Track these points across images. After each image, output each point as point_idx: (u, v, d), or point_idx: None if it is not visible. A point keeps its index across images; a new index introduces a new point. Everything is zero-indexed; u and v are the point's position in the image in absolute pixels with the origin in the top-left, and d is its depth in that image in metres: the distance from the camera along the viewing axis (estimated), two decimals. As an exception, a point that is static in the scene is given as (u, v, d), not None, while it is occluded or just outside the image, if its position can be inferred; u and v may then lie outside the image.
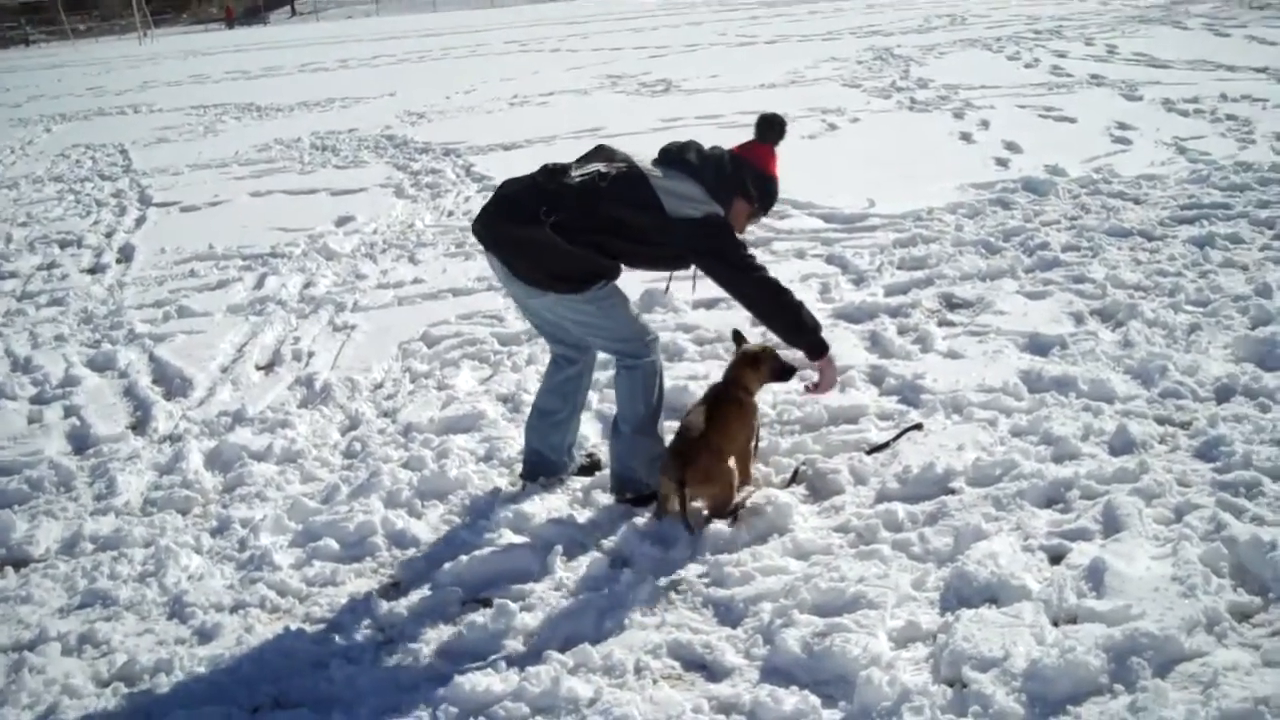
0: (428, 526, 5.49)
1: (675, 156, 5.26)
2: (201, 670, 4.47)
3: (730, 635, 4.34)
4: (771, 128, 5.37)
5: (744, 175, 5.26)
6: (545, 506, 5.53)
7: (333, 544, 5.40)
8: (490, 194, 5.46)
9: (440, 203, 13.23)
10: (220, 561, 5.40)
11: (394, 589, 4.98)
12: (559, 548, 5.05)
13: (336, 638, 4.63)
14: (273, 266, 10.72)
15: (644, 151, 5.37)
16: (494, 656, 4.32)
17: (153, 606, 5.03)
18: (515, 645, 4.41)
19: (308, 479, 6.20)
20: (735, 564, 4.77)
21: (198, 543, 5.56)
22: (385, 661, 4.42)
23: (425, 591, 4.89)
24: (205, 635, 4.75)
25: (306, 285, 10.05)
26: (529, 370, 7.42)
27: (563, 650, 4.31)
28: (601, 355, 5.84)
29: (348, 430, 6.83)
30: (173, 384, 7.74)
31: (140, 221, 13.57)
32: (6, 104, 31.27)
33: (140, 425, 7.13)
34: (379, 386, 7.51)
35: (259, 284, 10.19)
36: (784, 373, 5.40)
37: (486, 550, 5.10)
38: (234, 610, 4.92)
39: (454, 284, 9.68)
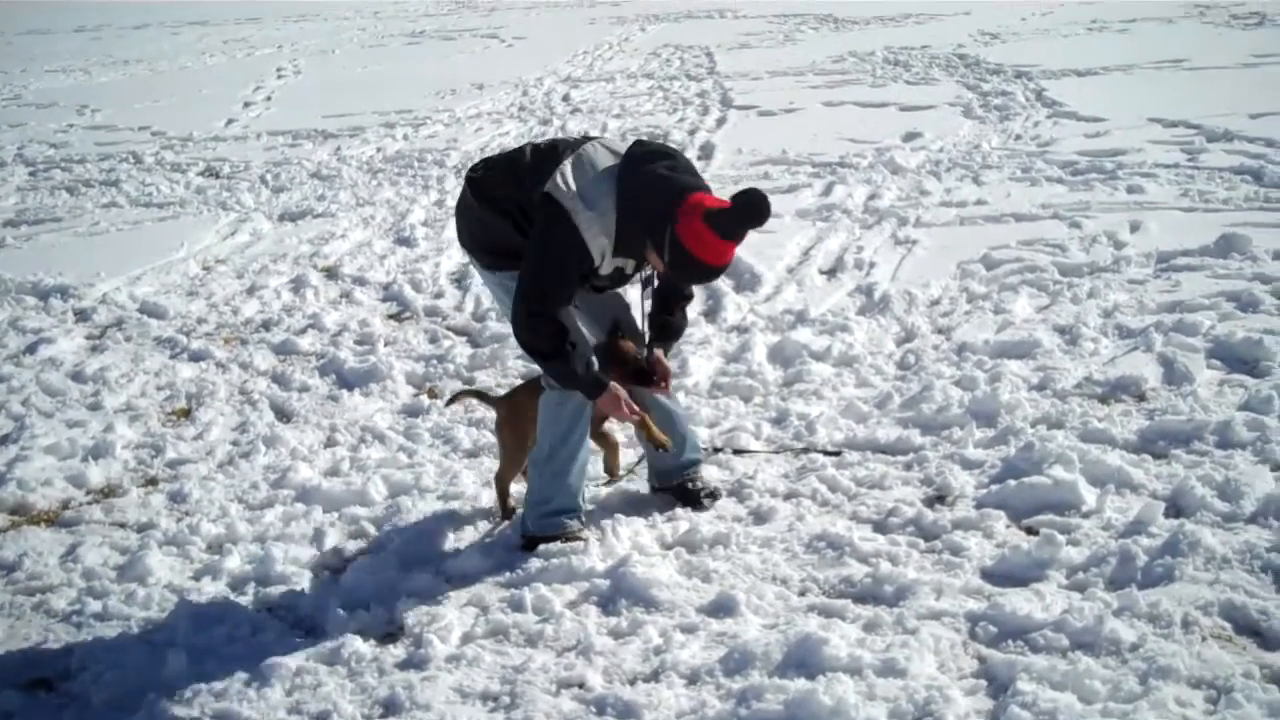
0: (976, 449, 5.53)
1: (636, 155, 4.62)
2: (757, 549, 4.81)
3: (1290, 605, 4.11)
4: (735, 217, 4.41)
5: (662, 232, 4.44)
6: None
7: (880, 450, 5.62)
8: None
9: (1008, 126, 13.00)
10: (778, 450, 5.74)
11: (939, 501, 5.09)
12: (1110, 487, 4.97)
13: (880, 537, 4.83)
14: (840, 176, 11.03)
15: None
16: (1036, 585, 4.34)
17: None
18: (1058, 577, 4.40)
19: (862, 384, 6.44)
20: (1304, 533, 4.49)
21: (758, 430, 5.92)
22: (926, 568, 4.56)
23: (970, 510, 4.97)
24: (760, 517, 5.09)
25: (871, 197, 10.26)
26: (1089, 304, 7.22)
27: (1107, 590, 4.26)
28: None
29: (903, 341, 7.00)
30: (743, 278, 8.21)
31: (721, 122, 14.36)
32: (606, 2, 33.72)
33: (711, 314, 7.64)
34: (936, 303, 7.60)
35: (826, 191, 10.53)
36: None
37: (1033, 477, 5.07)
38: (787, 498, 5.23)
39: (1017, 209, 9.54)
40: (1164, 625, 4.02)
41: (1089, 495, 4.93)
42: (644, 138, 4.95)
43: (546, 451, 4.88)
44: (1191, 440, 5.36)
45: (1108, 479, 5.05)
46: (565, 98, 17.25)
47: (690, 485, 5.22)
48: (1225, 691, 3.65)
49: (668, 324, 4.98)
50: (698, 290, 7.95)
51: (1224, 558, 4.38)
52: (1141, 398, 5.92)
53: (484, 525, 5.17)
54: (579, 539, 4.85)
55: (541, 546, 4.82)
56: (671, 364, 5.21)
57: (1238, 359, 6.22)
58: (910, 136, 12.59)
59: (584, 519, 4.98)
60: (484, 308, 8.01)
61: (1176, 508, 4.82)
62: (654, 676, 4.01)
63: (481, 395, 5.64)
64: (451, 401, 6.02)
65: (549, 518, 4.91)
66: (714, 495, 5.22)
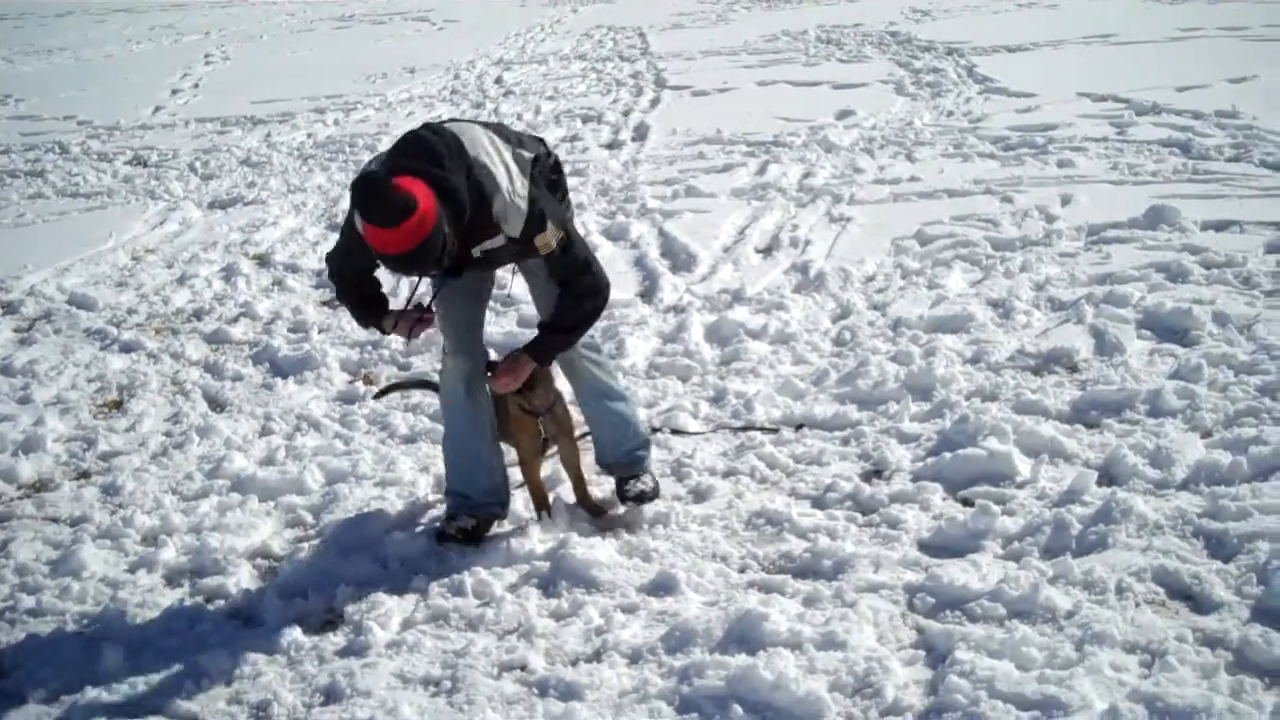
0: (912, 422, 5.58)
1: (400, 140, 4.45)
2: (697, 527, 4.84)
3: (1221, 569, 4.16)
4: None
5: None
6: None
7: (820, 427, 5.65)
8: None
9: (940, 102, 13.08)
10: (716, 429, 5.75)
11: (876, 475, 5.13)
12: (1044, 457, 5.04)
13: (818, 513, 4.85)
14: (775, 155, 11.06)
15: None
16: (972, 555, 4.39)
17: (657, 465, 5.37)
18: (994, 547, 4.45)
19: (799, 361, 6.46)
20: (1232, 498, 4.54)
21: (696, 409, 5.93)
22: (864, 541, 4.59)
23: (907, 483, 5.02)
24: (699, 495, 5.12)
25: (806, 175, 10.29)
26: (1022, 277, 7.28)
27: (1042, 559, 4.32)
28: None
29: (838, 318, 7.02)
30: (679, 258, 8.23)
31: (655, 103, 14.35)
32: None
33: (648, 294, 7.64)
34: (870, 279, 7.64)
35: (761, 170, 10.55)
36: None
37: (968, 449, 5.12)
38: (725, 475, 5.25)
39: (950, 185, 9.60)
40: (1098, 592, 4.07)
41: (1023, 466, 4.99)
42: (439, 123, 4.56)
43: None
44: (1123, 409, 5.43)
45: (1041, 449, 5.11)
46: (498, 80, 17.16)
47: (627, 488, 4.97)
48: (1159, 655, 3.69)
49: (546, 328, 4.67)
50: (632, 270, 8.01)
51: (1156, 524, 4.44)
52: (1073, 369, 5.99)
53: (421, 511, 5.14)
54: (458, 525, 4.81)
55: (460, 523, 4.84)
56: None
57: (1167, 329, 6.30)
58: (843, 114, 12.64)
59: (474, 503, 4.85)
60: (419, 293, 7.92)
61: (1109, 476, 4.88)
62: (596, 657, 4.01)
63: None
64: (387, 392, 5.93)
65: (446, 494, 4.97)
66: (649, 499, 4.98)
